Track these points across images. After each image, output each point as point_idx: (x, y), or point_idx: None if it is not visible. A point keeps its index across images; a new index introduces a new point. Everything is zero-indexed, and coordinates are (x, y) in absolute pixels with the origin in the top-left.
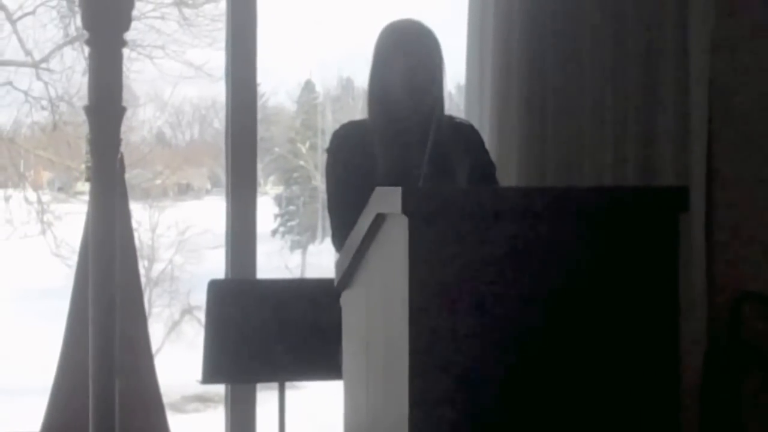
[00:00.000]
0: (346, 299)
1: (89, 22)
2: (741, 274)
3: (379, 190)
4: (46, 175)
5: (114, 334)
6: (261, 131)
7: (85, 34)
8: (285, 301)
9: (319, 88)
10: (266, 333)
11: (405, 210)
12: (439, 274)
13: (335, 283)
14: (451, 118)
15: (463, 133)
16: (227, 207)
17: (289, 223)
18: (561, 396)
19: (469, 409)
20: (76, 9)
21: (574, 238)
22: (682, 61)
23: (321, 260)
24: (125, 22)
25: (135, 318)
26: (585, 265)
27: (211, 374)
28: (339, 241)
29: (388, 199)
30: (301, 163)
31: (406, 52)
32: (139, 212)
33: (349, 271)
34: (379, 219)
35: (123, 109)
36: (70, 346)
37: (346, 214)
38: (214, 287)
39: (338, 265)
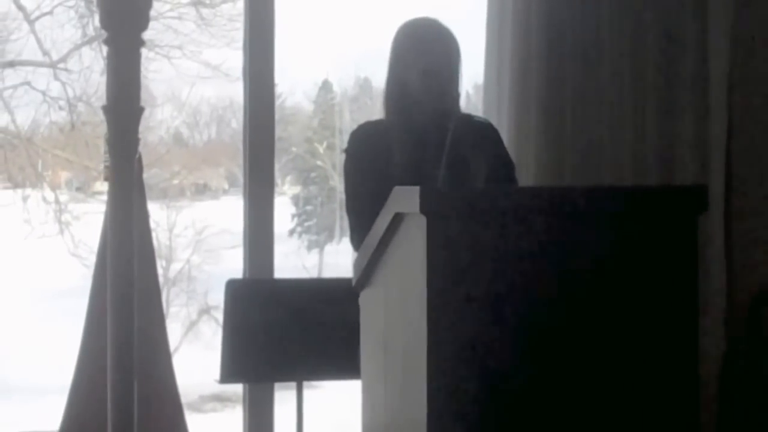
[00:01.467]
0: (365, 299)
1: (107, 22)
2: (760, 274)
3: (397, 189)
4: (64, 175)
5: (132, 334)
6: (278, 131)
7: (104, 33)
8: (303, 300)
9: (336, 88)
10: (284, 333)
11: (423, 209)
12: (458, 274)
13: (353, 283)
14: (469, 117)
15: (482, 132)
16: (245, 207)
17: (306, 223)
18: (582, 396)
19: (489, 408)
20: (94, 9)
21: (593, 238)
22: (701, 62)
23: (338, 260)
24: (143, 22)
25: (153, 317)
26: (604, 264)
27: (229, 374)
28: (357, 241)
29: (406, 199)
30: (319, 163)
31: (426, 51)
32: (156, 212)
33: (367, 270)
34: (398, 219)
35: (141, 109)
36: (88, 346)
37: (364, 214)
38: (232, 287)
39: (356, 264)
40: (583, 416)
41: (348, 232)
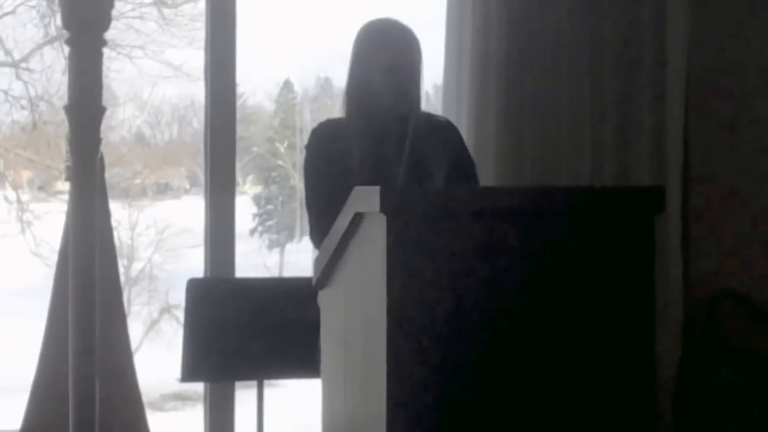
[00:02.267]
0: (324, 298)
1: (69, 22)
2: (716, 273)
3: (357, 189)
4: (25, 175)
5: (93, 333)
6: (240, 131)
7: (65, 33)
8: (263, 299)
9: (297, 88)
10: (245, 331)
11: (383, 209)
12: (417, 273)
13: (313, 282)
14: (430, 116)
15: (442, 131)
16: (206, 206)
17: (267, 223)
18: (539, 395)
19: (447, 404)
20: (56, 9)
21: (551, 237)
22: (658, 62)
23: (299, 259)
24: (105, 22)
25: (114, 317)
26: (561, 264)
27: (190, 373)
28: (317, 239)
29: (366, 199)
30: (280, 162)
31: (388, 49)
32: (118, 211)
33: (327, 269)
34: (358, 218)
35: (103, 109)
36: (49, 345)
37: (324, 212)
38: (193, 286)
39: (316, 263)
40: (540, 415)
41: (308, 231)
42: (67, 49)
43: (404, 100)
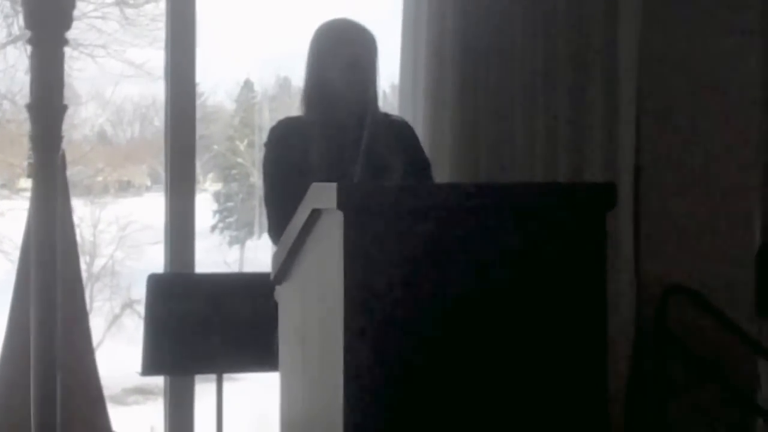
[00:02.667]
0: (282, 292)
1: (31, 21)
2: (667, 268)
3: (315, 185)
4: None
5: (55, 328)
6: (200, 129)
7: (27, 33)
8: (222, 294)
9: (257, 88)
10: (204, 326)
11: (340, 205)
12: (373, 268)
13: (271, 277)
14: (386, 115)
15: (398, 130)
16: (166, 203)
17: (227, 219)
18: (493, 390)
19: (403, 396)
20: (19, 9)
21: (505, 233)
22: (610, 61)
23: (259, 255)
24: (67, 21)
25: (76, 312)
26: (515, 259)
27: (150, 366)
28: (275, 235)
29: (323, 195)
30: (240, 160)
31: (346, 49)
32: (80, 208)
33: (285, 265)
34: (315, 214)
35: (64, 107)
36: (11, 340)
37: (282, 208)
38: (153, 281)
39: (274, 258)
40: (494, 409)
41: (267, 227)
42: (29, 49)
43: (362, 98)
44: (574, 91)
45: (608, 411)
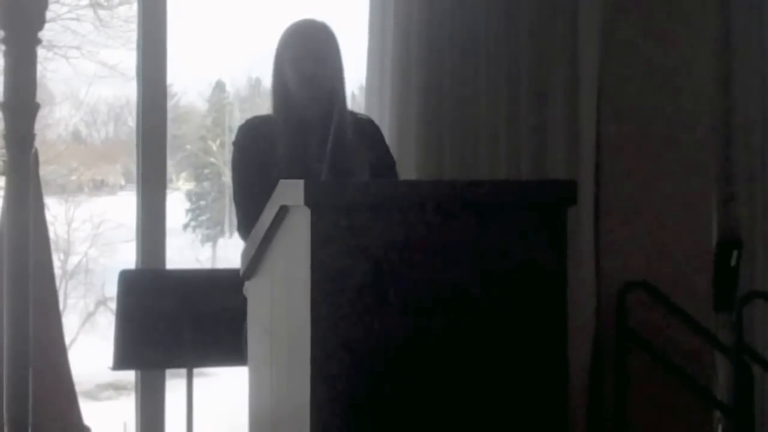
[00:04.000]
0: (251, 288)
1: (4, 21)
2: (627, 265)
3: (282, 182)
4: None
5: (28, 325)
6: (173, 129)
7: (0, 33)
8: (192, 290)
9: (229, 88)
10: (174, 321)
11: (307, 202)
12: (339, 263)
13: (241, 273)
14: (352, 114)
15: (364, 128)
16: (137, 201)
17: (200, 218)
18: (453, 378)
19: (368, 390)
20: None
21: (467, 229)
22: (572, 61)
23: (231, 253)
24: (40, 22)
25: (49, 309)
26: (477, 254)
27: (121, 361)
28: (244, 232)
29: (291, 192)
30: (212, 160)
31: (305, 48)
32: (55, 207)
33: (254, 260)
34: (283, 210)
35: (37, 106)
36: None
37: (251, 206)
38: (125, 277)
39: (243, 255)
40: (455, 395)
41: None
42: (2, 48)
43: (323, 97)
44: (536, 90)
45: (567, 405)
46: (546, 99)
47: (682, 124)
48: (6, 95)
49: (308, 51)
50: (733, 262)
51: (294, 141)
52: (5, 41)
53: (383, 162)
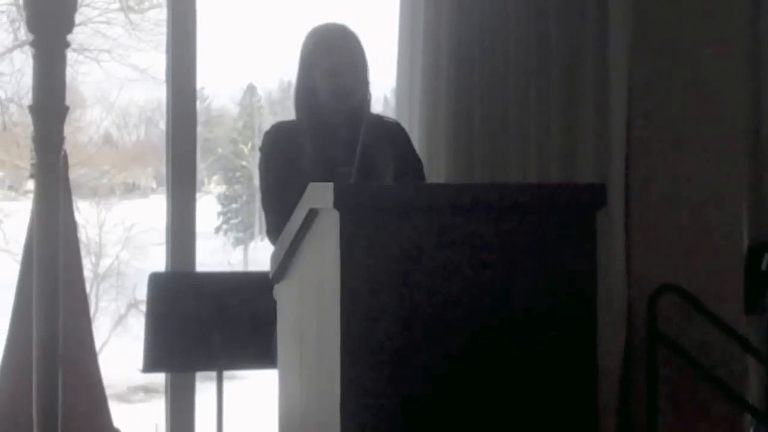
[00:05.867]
0: (281, 291)
1: (33, 25)
2: (658, 268)
3: (311, 186)
4: None
5: (57, 327)
6: (205, 133)
7: (30, 36)
8: (222, 293)
9: (260, 92)
10: (204, 323)
11: (336, 205)
12: (369, 265)
13: (270, 276)
14: (379, 117)
15: (390, 131)
16: (168, 204)
17: (231, 221)
18: (485, 380)
19: (398, 394)
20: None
21: (498, 232)
22: (602, 63)
23: (262, 256)
24: (68, 24)
25: (78, 310)
26: (507, 258)
27: (151, 363)
28: (273, 236)
29: (320, 195)
30: (243, 163)
31: (330, 52)
32: (86, 210)
33: (283, 263)
34: (312, 214)
35: (66, 108)
36: (14, 338)
37: (279, 209)
38: (155, 280)
39: (273, 258)
40: (486, 401)
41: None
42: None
43: (346, 101)
44: (566, 94)
45: (597, 410)
46: (576, 101)
47: (713, 126)
48: (35, 98)
49: (346, 64)
50: (764, 266)
51: (321, 145)
52: (34, 44)
53: (410, 164)
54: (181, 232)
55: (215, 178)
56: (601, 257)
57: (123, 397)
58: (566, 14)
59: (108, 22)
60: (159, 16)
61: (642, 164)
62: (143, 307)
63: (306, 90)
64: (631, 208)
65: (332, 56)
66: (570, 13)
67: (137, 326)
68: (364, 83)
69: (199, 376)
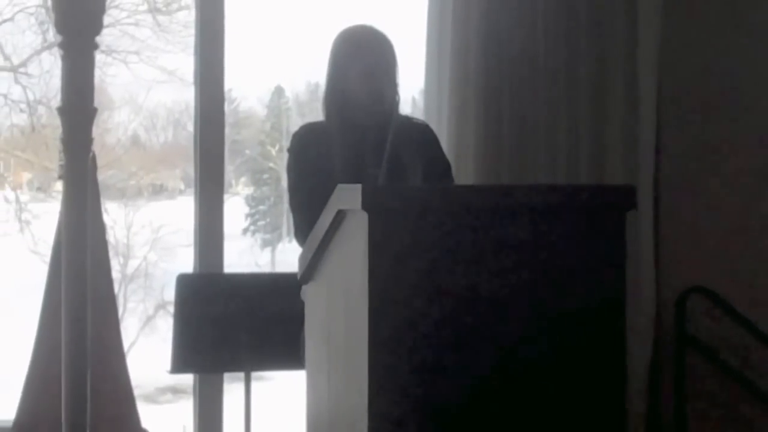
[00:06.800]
0: (309, 292)
1: (62, 26)
2: (686, 270)
3: (340, 187)
4: (25, 176)
5: (86, 329)
6: (233, 134)
7: (59, 37)
8: (250, 294)
9: (288, 94)
10: (232, 324)
11: (365, 206)
12: (397, 268)
13: (298, 277)
14: (408, 119)
15: (419, 133)
16: (196, 206)
17: (259, 222)
18: (513, 388)
19: (426, 397)
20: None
21: (527, 234)
22: (631, 67)
23: (290, 257)
24: (97, 26)
25: (107, 312)
26: (537, 259)
27: (179, 364)
28: (301, 237)
29: (348, 196)
30: (271, 165)
31: (361, 54)
32: (114, 211)
33: (311, 265)
34: (340, 215)
35: (94, 110)
36: (43, 340)
37: (307, 211)
38: (183, 281)
39: (301, 259)
40: (515, 403)
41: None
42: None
43: (379, 103)
44: (595, 96)
45: (626, 412)
46: (605, 102)
47: (743, 128)
48: (64, 99)
49: (380, 68)
50: None
51: (347, 147)
52: (63, 46)
53: (438, 166)
54: (209, 234)
55: (243, 179)
56: (630, 259)
57: (151, 398)
58: (595, 16)
59: (136, 24)
60: (187, 17)
61: (671, 166)
62: (171, 309)
63: (337, 92)
64: (660, 210)
65: (365, 58)
66: (599, 13)
67: (165, 327)
68: (395, 85)
69: (227, 377)
